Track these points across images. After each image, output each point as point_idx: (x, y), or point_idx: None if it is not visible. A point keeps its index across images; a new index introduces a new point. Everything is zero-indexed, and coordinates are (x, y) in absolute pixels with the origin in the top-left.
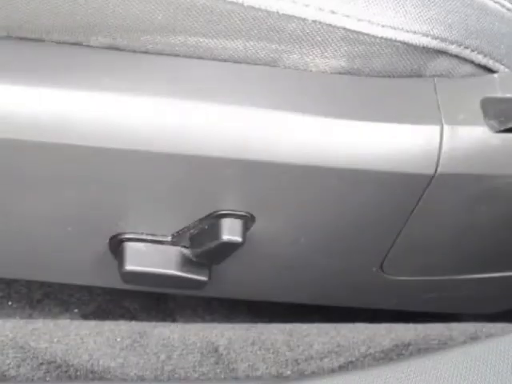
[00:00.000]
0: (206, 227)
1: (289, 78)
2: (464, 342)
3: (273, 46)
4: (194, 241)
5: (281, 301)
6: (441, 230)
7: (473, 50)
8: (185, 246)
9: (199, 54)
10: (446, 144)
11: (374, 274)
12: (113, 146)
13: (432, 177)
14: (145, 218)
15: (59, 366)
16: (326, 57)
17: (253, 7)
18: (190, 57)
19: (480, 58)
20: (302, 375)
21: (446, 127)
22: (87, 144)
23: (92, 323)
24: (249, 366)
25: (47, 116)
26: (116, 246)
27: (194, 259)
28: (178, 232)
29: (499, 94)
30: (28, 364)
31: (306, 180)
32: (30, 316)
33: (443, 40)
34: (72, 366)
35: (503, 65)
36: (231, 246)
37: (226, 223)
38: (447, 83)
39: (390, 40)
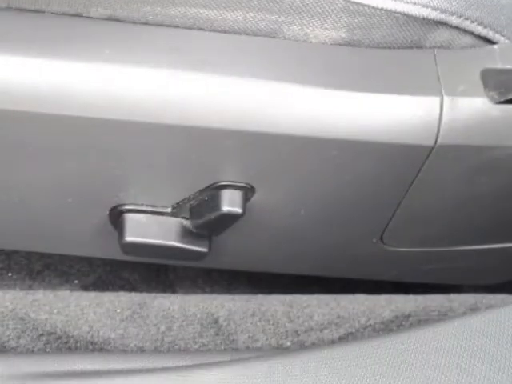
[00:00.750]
0: (206, 198)
1: (289, 49)
2: (464, 314)
3: (273, 17)
4: (194, 212)
5: (281, 272)
6: (441, 201)
7: (473, 21)
8: (185, 217)
9: (199, 26)
10: (446, 115)
11: (374, 245)
12: (113, 117)
13: (432, 148)
14: (145, 189)
15: (59, 338)
16: (326, 28)
17: None
18: (190, 28)
19: (480, 29)
20: (302, 346)
21: (445, 98)
22: (87, 115)
23: (92, 294)
24: (249, 337)
25: (47, 87)
26: (116, 217)
27: (194, 230)
28: (178, 203)
29: (499, 65)
30: (28, 335)
31: (306, 151)
32: (30, 287)
33: (443, 11)
34: (72, 337)
35: (503, 36)
36: (231, 217)
37: (226, 194)
38: (447, 54)
39: (390, 11)
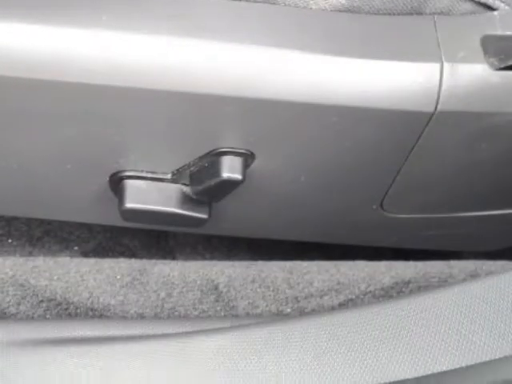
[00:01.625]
0: (206, 165)
1: (289, 15)
2: (464, 280)
3: None
4: (194, 178)
5: (281, 238)
6: (441, 167)
7: None
8: (185, 184)
9: None
10: (446, 82)
11: (374, 211)
12: (112, 83)
13: (432, 114)
14: (145, 155)
15: (59, 304)
16: None
17: None
18: None
19: None
20: (301, 313)
21: (445, 65)
22: (86, 81)
23: (92, 261)
24: (249, 303)
25: (45, 53)
26: (116, 183)
27: (194, 197)
28: (178, 170)
29: (499, 32)
30: (28, 302)
31: (306, 117)
32: (30, 254)
33: None
34: (72, 303)
35: (503, 2)
36: (231, 184)
37: (226, 161)
38: (447, 21)
39: None
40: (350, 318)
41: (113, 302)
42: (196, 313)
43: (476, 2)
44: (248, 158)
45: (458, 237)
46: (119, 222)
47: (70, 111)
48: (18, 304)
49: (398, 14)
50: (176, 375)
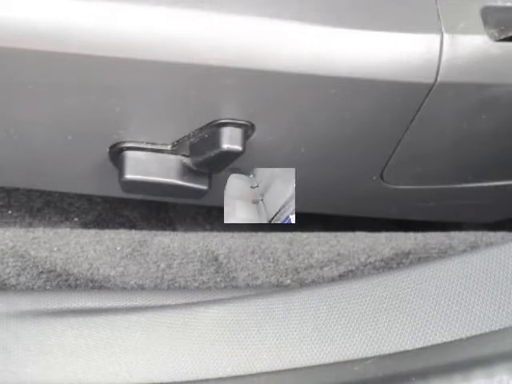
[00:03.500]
0: (206, 136)
1: None
2: (464, 251)
3: None
4: (194, 150)
5: None
6: (440, 138)
7: None
8: (185, 155)
9: None
10: (446, 53)
11: (374, 182)
12: (112, 54)
13: (432, 86)
14: (145, 126)
15: (59, 275)
16: None
17: None
18: None
19: None
20: (302, 284)
21: (446, 36)
22: (88, 53)
23: (92, 232)
24: (249, 274)
25: (48, 25)
26: (116, 154)
27: (194, 168)
28: (178, 141)
29: (499, 3)
30: (28, 273)
31: (306, 89)
32: (30, 225)
33: None
34: (72, 274)
35: None
36: (231, 155)
37: (226, 132)
38: None
39: None
40: (350, 290)
41: (113, 273)
42: (196, 284)
43: None
44: (248, 129)
45: (458, 208)
46: (119, 193)
47: (71, 82)
48: (18, 275)
49: None
50: (176, 346)
